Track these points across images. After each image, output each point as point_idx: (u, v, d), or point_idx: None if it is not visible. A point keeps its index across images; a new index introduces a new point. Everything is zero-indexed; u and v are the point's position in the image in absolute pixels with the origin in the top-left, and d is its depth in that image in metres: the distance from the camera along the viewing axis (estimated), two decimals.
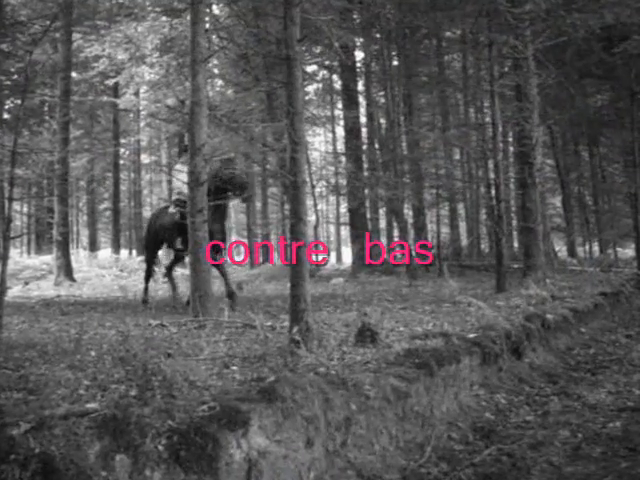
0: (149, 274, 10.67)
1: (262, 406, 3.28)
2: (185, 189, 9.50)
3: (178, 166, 10.17)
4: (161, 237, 10.15)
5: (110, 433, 2.74)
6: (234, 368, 4.65)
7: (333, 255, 38.68)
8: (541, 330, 7.10)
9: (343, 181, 20.70)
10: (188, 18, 11.27)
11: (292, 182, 5.25)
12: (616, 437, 4.38)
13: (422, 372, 4.56)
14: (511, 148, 21.53)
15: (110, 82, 21.50)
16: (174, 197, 10.12)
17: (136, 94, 23.14)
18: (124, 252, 31.25)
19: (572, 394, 5.59)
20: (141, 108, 26.74)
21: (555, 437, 4.41)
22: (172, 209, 9.81)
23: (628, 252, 24.85)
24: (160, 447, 2.80)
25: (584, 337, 8.20)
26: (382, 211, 25.06)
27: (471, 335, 5.86)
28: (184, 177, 9.51)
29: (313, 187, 16.44)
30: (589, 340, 8.15)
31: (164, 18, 17.32)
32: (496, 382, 5.66)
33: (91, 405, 3.13)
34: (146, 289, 10.46)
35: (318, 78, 27.05)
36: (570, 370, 6.62)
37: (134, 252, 32.40)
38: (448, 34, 19.94)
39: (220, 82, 25.20)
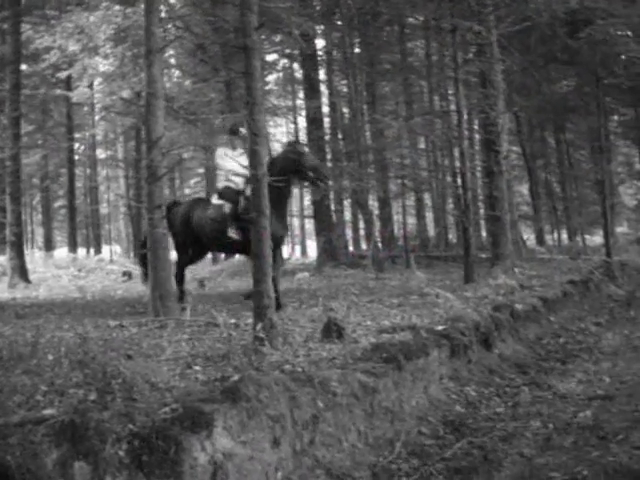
0: (182, 277, 9.49)
1: (226, 406, 3.27)
2: (237, 179, 8.96)
3: (228, 150, 9.20)
4: (198, 232, 9.19)
5: (68, 440, 2.71)
6: (197, 368, 4.63)
7: (298, 249, 38.75)
8: (510, 320, 7.19)
9: None
10: (142, 7, 11.17)
11: (253, 175, 5.24)
12: (587, 426, 4.45)
13: (390, 367, 4.58)
14: (477, 136, 21.68)
15: (62, 74, 21.18)
16: (220, 185, 9.19)
17: (90, 87, 22.83)
18: (82, 251, 30.91)
19: (542, 384, 5.67)
20: (95, 101, 26.36)
21: (526, 428, 4.47)
22: (216, 200, 9.09)
23: (596, 239, 25.22)
24: (121, 452, 2.77)
25: (554, 326, 8.31)
26: (347, 203, 25.08)
27: (439, 327, 5.90)
28: (237, 164, 8.90)
29: None
30: (559, 329, 8.26)
31: (117, 7, 17.10)
32: (466, 374, 5.70)
33: (48, 411, 3.09)
34: (182, 291, 9.31)
35: (279, 67, 26.98)
36: (540, 360, 6.71)
37: (92, 251, 32.07)
38: (411, 20, 19.97)
39: (178, 73, 25.02)
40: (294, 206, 38.52)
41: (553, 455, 3.97)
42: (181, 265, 9.52)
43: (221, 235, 8.77)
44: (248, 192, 8.64)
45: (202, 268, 20.83)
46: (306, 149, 9.14)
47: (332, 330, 5.54)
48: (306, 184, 9.25)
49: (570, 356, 6.86)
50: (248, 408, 3.36)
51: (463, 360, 5.79)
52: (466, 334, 5.93)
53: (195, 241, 9.34)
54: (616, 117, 28.41)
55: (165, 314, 7.28)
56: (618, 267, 14.48)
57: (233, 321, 6.73)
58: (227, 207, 8.73)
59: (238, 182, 8.96)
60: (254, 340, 5.09)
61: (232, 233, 8.64)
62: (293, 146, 8.84)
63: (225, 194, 8.92)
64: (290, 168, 8.50)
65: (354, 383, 4.16)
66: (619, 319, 9.35)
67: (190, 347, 5.51)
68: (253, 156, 5.28)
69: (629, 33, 18.15)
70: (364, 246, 23.79)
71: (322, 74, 22.04)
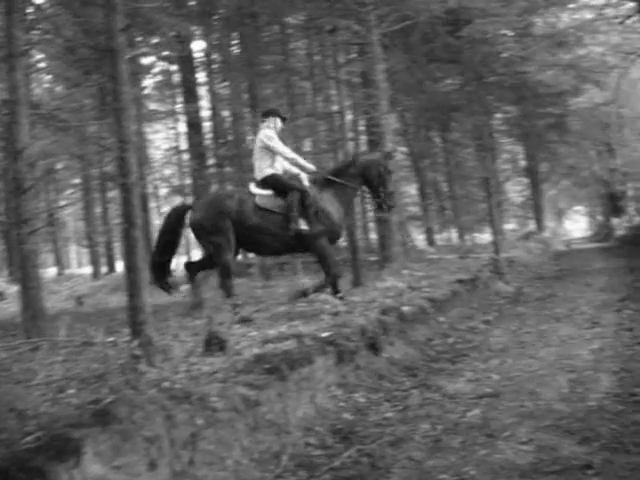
0: (229, 274, 8.40)
1: (97, 431, 3.16)
2: (285, 165, 8.51)
3: (270, 133, 8.53)
4: (252, 228, 8.22)
5: None
6: (71, 391, 4.48)
7: (183, 260, 38.12)
8: (398, 323, 7.28)
9: (190, 180, 20.48)
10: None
11: (122, 184, 5.14)
12: (475, 425, 4.57)
13: (273, 377, 4.56)
14: (364, 137, 21.96)
15: None
16: (264, 173, 8.49)
17: None
18: None
19: (432, 386, 5.76)
20: None
21: (415, 431, 4.54)
22: (261, 190, 8.39)
23: (486, 237, 25.93)
24: None
25: (443, 326, 8.47)
26: None
27: (325, 334, 5.93)
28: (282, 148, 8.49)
29: (156, 188, 16.15)
30: (448, 329, 8.42)
31: None
32: (354, 381, 5.74)
33: None
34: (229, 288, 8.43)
35: (156, 70, 26.56)
36: (430, 361, 6.80)
37: None
38: (291, 20, 20.07)
39: (49, 77, 24.30)
40: None
41: (442, 457, 4.06)
42: (227, 260, 8.37)
43: (286, 228, 8.21)
44: (306, 182, 8.48)
45: (81, 284, 20.32)
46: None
47: (214, 343, 5.49)
48: (369, 196, 9.04)
49: (459, 355, 6.99)
50: (121, 431, 3.27)
51: (351, 366, 5.83)
52: (353, 339, 5.99)
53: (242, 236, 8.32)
54: (500, 115, 29.37)
55: (38, 335, 7.04)
56: (506, 264, 14.94)
57: (111, 339, 6.54)
58: (295, 196, 8.17)
59: (277, 168, 8.58)
60: (131, 358, 4.98)
61: (303, 225, 8.18)
62: (388, 161, 8.78)
63: (275, 182, 8.41)
64: (371, 177, 8.60)
65: (235, 397, 4.12)
66: (507, 315, 9.63)
67: (65, 369, 5.32)
68: (122, 164, 5.18)
69: (508, 32, 18.88)
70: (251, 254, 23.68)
71: (203, 77, 21.92)
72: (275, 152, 8.43)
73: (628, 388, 5.14)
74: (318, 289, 8.54)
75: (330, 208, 8.38)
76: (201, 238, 8.51)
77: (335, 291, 8.37)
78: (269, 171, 8.47)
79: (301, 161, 8.73)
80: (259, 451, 4.10)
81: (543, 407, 4.84)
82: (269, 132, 8.51)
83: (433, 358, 6.97)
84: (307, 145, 24.06)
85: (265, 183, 8.47)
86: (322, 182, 8.60)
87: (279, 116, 8.78)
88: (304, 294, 8.50)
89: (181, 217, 8.64)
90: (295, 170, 8.61)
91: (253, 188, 8.49)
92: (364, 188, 8.96)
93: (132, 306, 5.20)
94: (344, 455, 4.17)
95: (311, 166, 8.79)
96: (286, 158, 8.56)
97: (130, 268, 5.18)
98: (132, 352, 4.97)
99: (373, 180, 8.66)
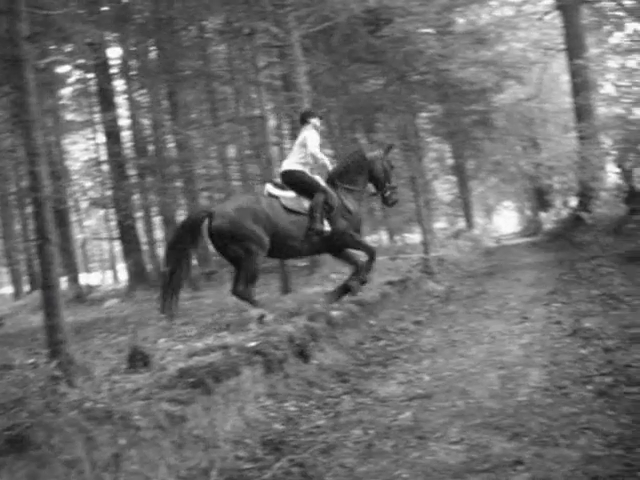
0: (254, 279, 8.11)
1: (12, 458, 3.09)
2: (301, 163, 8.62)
3: (315, 135, 8.74)
4: (281, 232, 8.12)
5: None
6: None
7: (109, 274, 37.78)
8: (328, 328, 7.31)
9: (110, 192, 20.16)
10: None
11: (33, 199, 5.02)
12: (407, 428, 4.62)
13: (198, 391, 4.52)
14: (289, 140, 21.95)
15: None
16: (289, 167, 8.67)
17: None
18: None
19: (363, 390, 5.79)
20: None
21: (347, 438, 4.56)
22: (283, 191, 8.38)
23: (416, 237, 26.18)
24: None
25: (373, 329, 8.51)
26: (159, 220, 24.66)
27: (252, 344, 5.91)
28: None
29: (76, 201, 15.86)
30: (379, 332, 8.46)
31: None
32: (284, 390, 5.73)
33: None
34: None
35: (72, 79, 26.07)
36: (360, 365, 6.83)
37: None
38: (208, 24, 19.95)
39: None
40: (101, 228, 37.57)
41: (374, 462, 4.09)
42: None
43: (310, 230, 8.32)
44: (323, 183, 8.67)
45: (1, 304, 19.84)
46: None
47: (137, 359, 5.41)
48: (374, 192, 9.63)
49: (390, 358, 7.02)
50: (38, 456, 3.20)
51: (280, 375, 5.81)
52: (281, 348, 5.98)
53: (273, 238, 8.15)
54: (425, 114, 29.71)
55: None
56: (436, 263, 15.13)
57: (32, 361, 6.40)
58: (320, 197, 8.34)
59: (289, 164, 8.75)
60: (50, 380, 4.87)
61: (326, 226, 8.38)
62: (387, 152, 9.46)
63: (298, 179, 8.51)
64: (378, 174, 9.23)
65: (159, 414, 4.06)
66: (438, 315, 9.73)
67: None
68: (33, 178, 5.06)
69: (429, 30, 19.12)
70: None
71: (121, 84, 21.63)
72: (308, 151, 8.66)
73: (557, 381, 5.27)
74: (361, 274, 9.05)
75: (350, 204, 8.79)
76: (227, 246, 7.96)
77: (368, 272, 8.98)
78: (297, 167, 8.66)
79: (327, 162, 9.01)
80: (187, 468, 4.06)
81: (473, 405, 4.92)
82: (315, 134, 8.80)
83: (364, 362, 7.00)
84: (231, 151, 23.99)
85: (287, 178, 8.62)
86: (332, 183, 8.90)
87: (318, 116, 9.12)
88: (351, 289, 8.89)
89: (198, 226, 7.94)
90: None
91: (272, 189, 8.48)
92: (369, 188, 9.51)
93: (50, 325, 5.08)
94: (275, 466, 4.16)
95: (330, 167, 9.12)
96: (315, 159, 8.79)
97: (46, 285, 5.07)
98: (51, 373, 4.86)
99: (379, 176, 9.28)
